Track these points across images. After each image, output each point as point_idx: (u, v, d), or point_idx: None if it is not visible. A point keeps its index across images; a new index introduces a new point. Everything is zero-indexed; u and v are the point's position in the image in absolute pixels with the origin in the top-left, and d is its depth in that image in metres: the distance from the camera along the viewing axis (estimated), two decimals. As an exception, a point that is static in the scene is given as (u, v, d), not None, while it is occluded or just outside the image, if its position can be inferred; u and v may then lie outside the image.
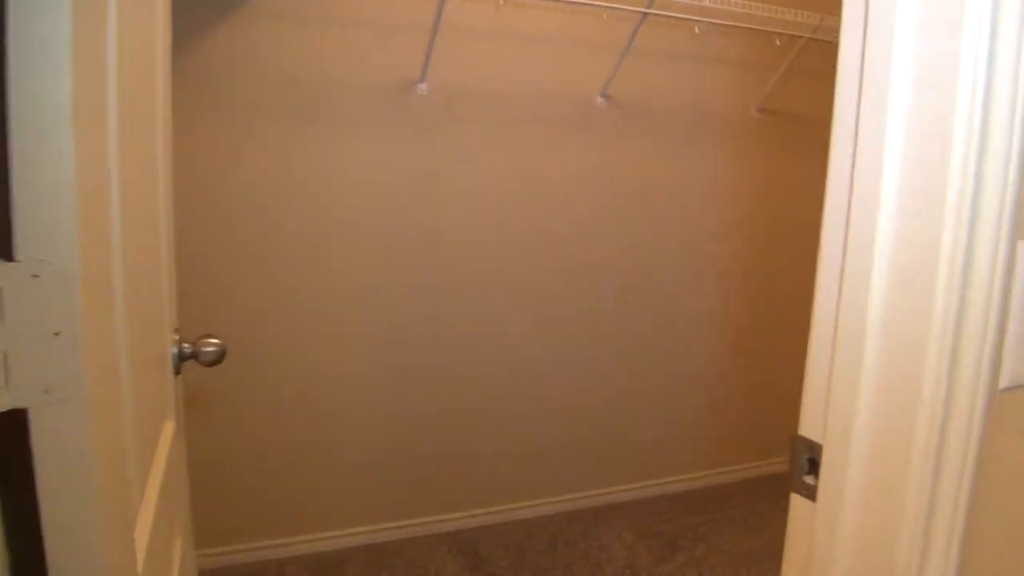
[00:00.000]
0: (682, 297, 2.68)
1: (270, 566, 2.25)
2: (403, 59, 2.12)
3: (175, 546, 1.01)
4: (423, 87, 2.15)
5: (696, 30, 2.31)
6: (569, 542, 2.46)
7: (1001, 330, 0.63)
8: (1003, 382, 0.65)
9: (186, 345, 1.07)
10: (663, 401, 2.74)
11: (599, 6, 2.09)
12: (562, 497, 2.65)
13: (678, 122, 2.52)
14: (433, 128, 2.21)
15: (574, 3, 2.11)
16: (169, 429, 1.01)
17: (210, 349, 1.06)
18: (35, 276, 0.49)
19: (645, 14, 2.11)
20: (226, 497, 2.19)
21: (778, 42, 2.38)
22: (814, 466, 0.74)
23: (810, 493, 0.74)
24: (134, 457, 0.72)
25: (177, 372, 1.08)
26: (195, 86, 1.92)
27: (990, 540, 0.69)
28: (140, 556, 0.70)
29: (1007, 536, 0.72)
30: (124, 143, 0.69)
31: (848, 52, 0.68)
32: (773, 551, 2.50)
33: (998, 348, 0.63)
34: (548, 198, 2.40)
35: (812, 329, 0.74)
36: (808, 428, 0.75)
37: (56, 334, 0.51)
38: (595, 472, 2.70)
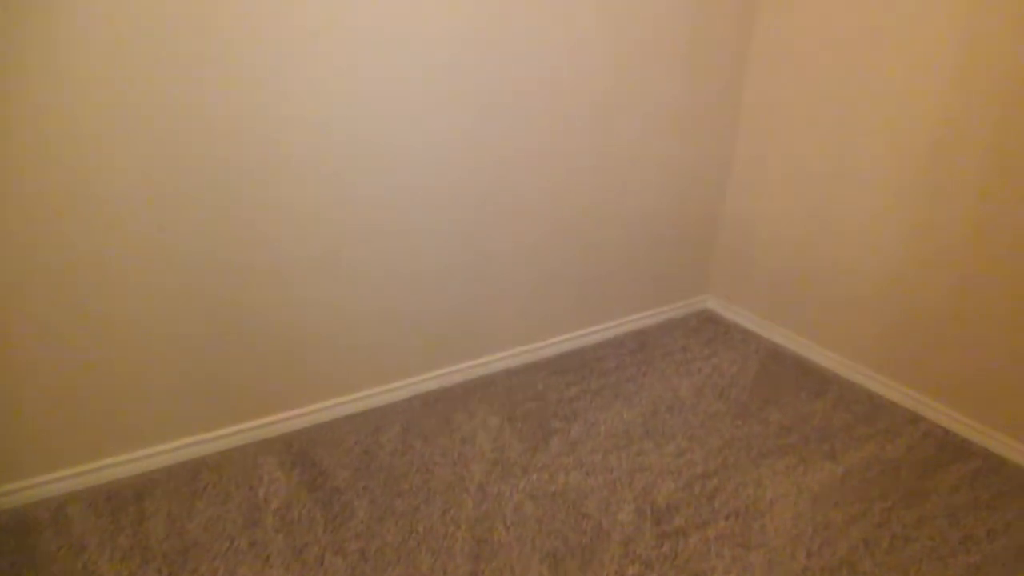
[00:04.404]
0: (529, 161, 2.36)
1: (45, 507, 1.78)
2: None
3: None
4: None
5: None
6: (425, 436, 2.17)
7: None
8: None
9: None
10: (522, 260, 2.45)
11: None
12: (412, 379, 2.35)
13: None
14: None
15: None
16: None
17: None
18: None
19: None
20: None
21: None
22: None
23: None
24: None
25: None
26: None
27: None
28: None
29: None
30: None
31: None
32: (651, 426, 2.35)
33: None
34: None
35: None
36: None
37: None
38: (449, 348, 2.41)
